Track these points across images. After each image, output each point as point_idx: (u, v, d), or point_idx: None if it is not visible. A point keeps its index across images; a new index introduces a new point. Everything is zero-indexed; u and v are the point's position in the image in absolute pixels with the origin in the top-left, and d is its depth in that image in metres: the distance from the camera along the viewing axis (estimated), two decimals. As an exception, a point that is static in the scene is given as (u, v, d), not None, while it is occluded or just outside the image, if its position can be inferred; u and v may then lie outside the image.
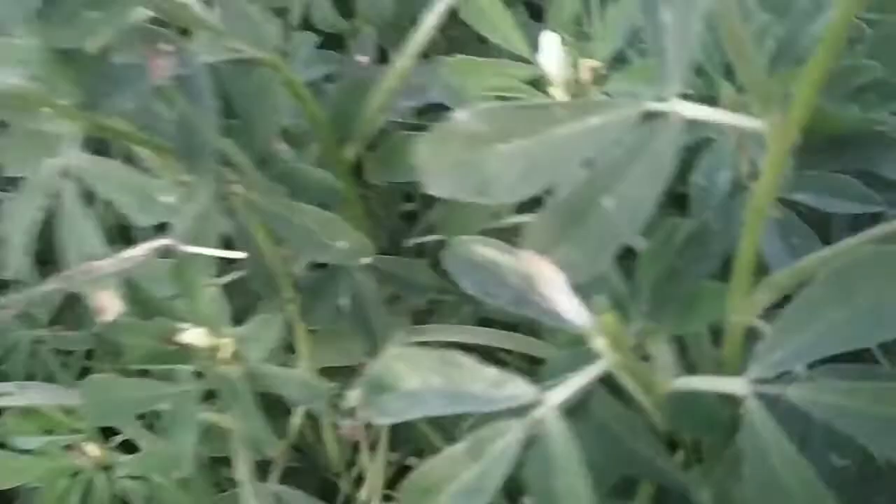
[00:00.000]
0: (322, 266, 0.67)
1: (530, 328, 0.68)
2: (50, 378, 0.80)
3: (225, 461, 0.77)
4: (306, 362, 0.60)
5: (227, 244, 0.63)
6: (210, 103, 0.52)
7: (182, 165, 0.53)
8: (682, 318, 0.47)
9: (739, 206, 0.52)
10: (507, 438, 0.35)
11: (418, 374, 0.38)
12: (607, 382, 0.49)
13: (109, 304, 0.48)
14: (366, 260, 0.56)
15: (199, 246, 0.46)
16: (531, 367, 0.73)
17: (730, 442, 0.44)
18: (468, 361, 0.37)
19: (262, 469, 0.66)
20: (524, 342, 0.64)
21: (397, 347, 0.39)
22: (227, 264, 0.66)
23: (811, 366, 0.42)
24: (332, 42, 0.77)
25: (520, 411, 0.36)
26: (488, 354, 0.72)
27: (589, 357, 0.49)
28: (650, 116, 0.39)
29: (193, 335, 0.51)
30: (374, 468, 0.71)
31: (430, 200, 0.73)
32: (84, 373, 0.83)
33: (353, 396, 0.39)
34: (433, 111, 0.69)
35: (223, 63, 0.54)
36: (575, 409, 0.41)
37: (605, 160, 0.39)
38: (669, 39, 0.39)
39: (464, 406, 0.37)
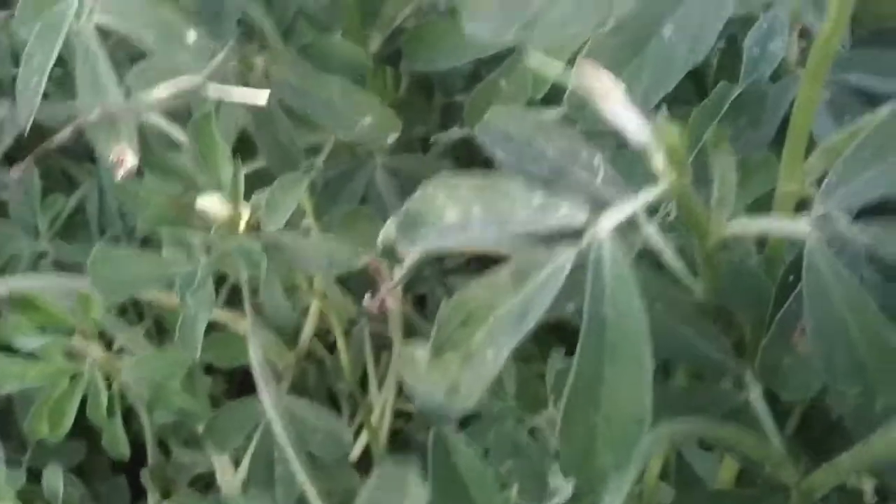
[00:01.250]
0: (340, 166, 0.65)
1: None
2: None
3: (226, 376, 0.75)
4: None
5: (244, 134, 0.61)
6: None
7: (204, 28, 0.51)
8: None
9: (792, 84, 0.50)
10: (557, 263, 0.33)
11: (458, 204, 0.35)
12: (648, 257, 0.47)
13: (125, 158, 0.46)
14: (393, 136, 0.53)
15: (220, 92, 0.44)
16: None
17: (778, 312, 0.41)
18: (513, 185, 0.34)
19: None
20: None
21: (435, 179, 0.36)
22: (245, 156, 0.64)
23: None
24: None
25: (571, 236, 0.33)
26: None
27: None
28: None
29: (210, 201, 0.48)
30: (387, 384, 0.69)
31: (452, 91, 0.71)
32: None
33: (386, 232, 0.36)
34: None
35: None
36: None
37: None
38: None
39: (508, 230, 0.34)
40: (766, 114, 0.45)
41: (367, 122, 0.53)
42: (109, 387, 0.64)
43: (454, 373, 0.34)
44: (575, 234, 0.34)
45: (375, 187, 0.63)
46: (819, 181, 0.43)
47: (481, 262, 0.73)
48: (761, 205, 0.46)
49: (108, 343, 0.66)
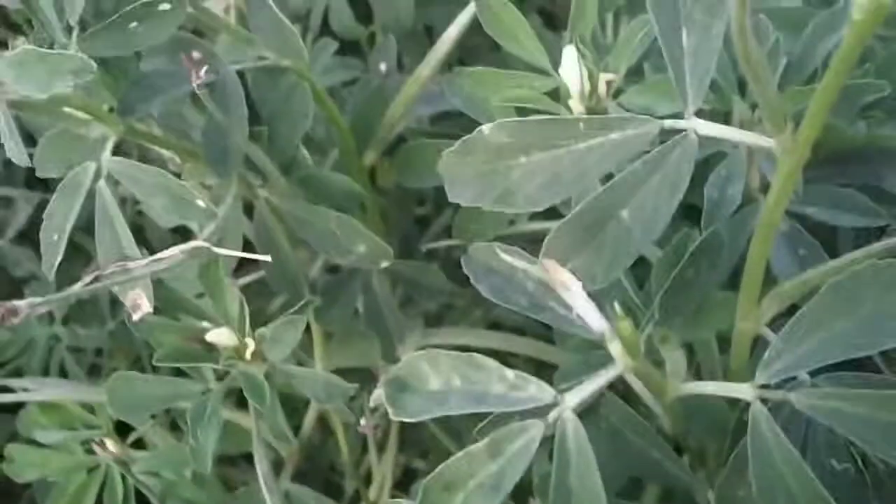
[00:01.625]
0: (337, 270, 0.69)
1: (538, 333, 0.70)
2: (64, 374, 0.82)
3: (234, 460, 0.80)
4: (323, 363, 0.62)
5: (248, 246, 0.65)
6: (240, 109, 0.54)
7: (210, 169, 0.55)
8: (693, 326, 0.49)
9: (750, 218, 0.54)
10: (527, 437, 0.37)
11: (440, 375, 0.40)
12: (618, 389, 0.51)
13: (140, 303, 0.50)
14: (385, 263, 0.57)
15: (224, 248, 0.48)
16: (538, 371, 0.75)
17: (735, 446, 0.45)
18: (489, 363, 0.39)
19: (273, 469, 0.68)
20: (535, 346, 0.66)
21: (419, 349, 0.41)
22: (243, 267, 0.68)
23: (814, 374, 0.44)
24: (350, 48, 0.79)
25: (538, 412, 0.38)
26: (496, 358, 0.75)
27: (601, 362, 0.51)
28: (668, 133, 0.41)
29: (219, 334, 0.53)
30: (383, 468, 0.73)
31: (442, 205, 0.75)
32: (94, 369, 0.85)
33: (376, 395, 0.41)
34: (448, 118, 0.71)
35: (251, 70, 0.56)
36: (587, 413, 0.43)
37: (623, 174, 0.41)
38: (688, 61, 0.41)
39: (485, 406, 0.38)
40: (724, 257, 0.49)
41: (361, 250, 0.57)
42: (125, 479, 0.68)
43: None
44: (544, 410, 0.38)
45: (372, 291, 0.67)
46: (773, 321, 0.48)
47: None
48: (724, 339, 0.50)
49: (123, 433, 0.70)
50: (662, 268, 0.49)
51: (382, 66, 0.67)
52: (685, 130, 0.41)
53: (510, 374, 0.38)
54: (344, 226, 0.57)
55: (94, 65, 0.40)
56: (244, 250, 0.67)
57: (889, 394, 0.38)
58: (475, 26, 0.61)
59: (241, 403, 0.69)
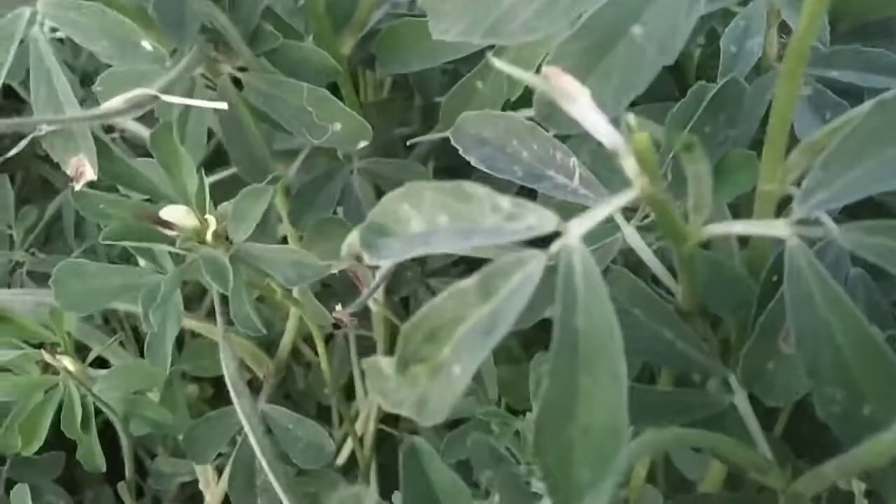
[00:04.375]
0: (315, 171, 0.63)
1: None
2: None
3: (203, 387, 0.74)
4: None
5: (211, 137, 0.59)
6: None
7: (166, 35, 0.49)
8: (714, 185, 0.43)
9: (769, 86, 0.49)
10: (525, 271, 0.31)
11: (423, 213, 0.34)
12: (627, 264, 0.46)
13: (83, 170, 0.44)
14: (363, 143, 0.51)
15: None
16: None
17: (761, 314, 0.40)
18: (480, 191, 0.33)
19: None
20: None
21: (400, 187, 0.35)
22: (213, 164, 0.62)
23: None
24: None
25: (539, 243, 0.32)
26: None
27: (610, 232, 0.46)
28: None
29: (175, 212, 0.47)
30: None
31: (431, 103, 0.69)
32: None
33: (350, 240, 0.35)
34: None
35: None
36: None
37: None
38: None
39: (474, 240, 0.33)
40: (744, 112, 0.44)
41: (337, 129, 0.51)
42: (84, 399, 0.62)
43: (422, 387, 0.33)
44: (545, 241, 0.32)
45: (352, 191, 0.61)
46: (800, 180, 0.42)
47: (466, 263, 0.71)
48: (743, 202, 0.45)
49: (83, 354, 0.64)
50: (675, 123, 0.43)
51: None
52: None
53: (505, 201, 0.32)
54: (319, 101, 0.51)
55: None
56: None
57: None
58: None
59: (210, 315, 0.64)
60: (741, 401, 0.41)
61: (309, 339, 0.68)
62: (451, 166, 0.68)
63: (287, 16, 0.58)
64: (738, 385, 0.42)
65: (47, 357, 0.58)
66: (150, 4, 0.49)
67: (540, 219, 0.32)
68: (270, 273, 0.46)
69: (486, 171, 0.46)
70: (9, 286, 0.77)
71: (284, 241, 0.62)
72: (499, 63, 0.33)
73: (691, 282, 0.39)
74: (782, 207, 0.43)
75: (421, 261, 0.72)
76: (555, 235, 0.32)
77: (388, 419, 0.71)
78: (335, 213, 0.61)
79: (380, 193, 0.63)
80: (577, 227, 0.32)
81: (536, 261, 0.31)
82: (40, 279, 0.77)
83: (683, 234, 0.35)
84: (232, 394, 0.56)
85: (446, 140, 0.66)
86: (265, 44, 0.52)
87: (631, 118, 0.31)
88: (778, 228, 0.34)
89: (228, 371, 0.55)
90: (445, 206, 0.34)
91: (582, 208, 0.35)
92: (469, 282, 0.32)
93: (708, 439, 0.36)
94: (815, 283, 0.33)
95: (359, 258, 0.37)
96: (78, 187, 0.44)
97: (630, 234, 0.42)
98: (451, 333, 0.32)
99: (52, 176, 0.84)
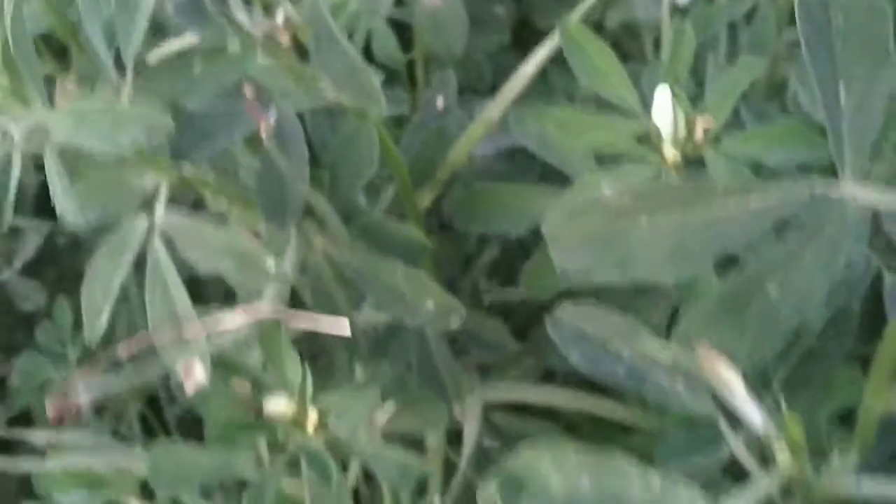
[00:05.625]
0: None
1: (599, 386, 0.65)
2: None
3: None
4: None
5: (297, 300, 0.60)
6: (301, 153, 0.49)
7: (265, 218, 0.50)
8: (817, 401, 0.44)
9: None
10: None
11: (565, 475, 0.35)
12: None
13: (195, 373, 0.45)
14: (456, 323, 0.52)
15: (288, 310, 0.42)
16: (592, 428, 0.69)
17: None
18: (626, 465, 0.33)
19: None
20: (606, 405, 0.61)
21: (536, 443, 0.35)
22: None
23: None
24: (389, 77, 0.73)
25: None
26: (559, 418, 0.70)
27: (711, 438, 0.46)
28: (820, 200, 0.36)
29: (278, 403, 0.47)
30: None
31: (483, 247, 0.70)
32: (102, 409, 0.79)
33: (484, 494, 0.35)
34: (511, 155, 0.66)
35: (312, 110, 0.51)
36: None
37: (770, 246, 0.36)
38: (847, 121, 0.36)
39: (623, 515, 0.33)
40: (853, 328, 0.44)
41: (429, 307, 0.52)
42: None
43: None
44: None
45: (426, 344, 0.62)
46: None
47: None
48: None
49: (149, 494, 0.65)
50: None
51: (439, 102, 0.61)
52: (842, 197, 0.36)
53: (656, 480, 0.33)
54: (412, 280, 0.51)
55: (171, 123, 0.34)
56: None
57: None
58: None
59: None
60: None
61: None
62: (519, 320, 0.68)
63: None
64: None
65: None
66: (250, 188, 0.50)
67: (692, 501, 0.33)
68: (374, 470, 0.47)
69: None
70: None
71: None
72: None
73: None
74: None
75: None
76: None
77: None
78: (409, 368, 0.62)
79: (451, 344, 0.63)
80: (730, 516, 0.32)
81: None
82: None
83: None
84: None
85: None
86: (357, 220, 0.53)
87: (783, 402, 0.32)
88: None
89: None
90: (589, 470, 0.34)
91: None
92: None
93: None
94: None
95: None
96: (189, 391, 0.44)
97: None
98: None
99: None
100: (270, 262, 0.41)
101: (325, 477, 0.47)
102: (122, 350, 0.45)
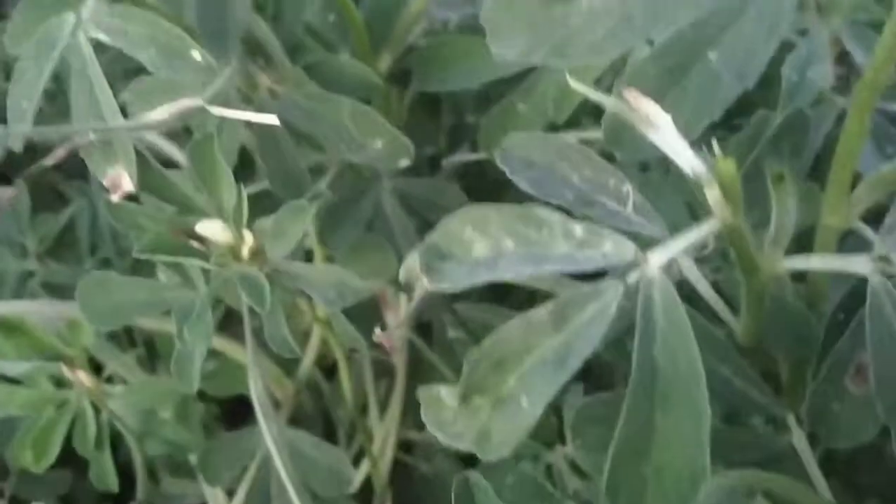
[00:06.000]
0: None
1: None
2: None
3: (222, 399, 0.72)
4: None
5: (245, 153, 0.58)
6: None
7: (205, 44, 0.48)
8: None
9: (825, 116, 0.47)
10: (600, 302, 0.30)
11: (488, 238, 0.33)
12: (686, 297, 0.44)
13: (121, 181, 0.43)
14: (404, 162, 0.50)
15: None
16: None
17: (825, 357, 0.38)
18: (552, 216, 0.31)
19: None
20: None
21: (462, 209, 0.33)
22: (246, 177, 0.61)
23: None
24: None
25: (613, 273, 0.31)
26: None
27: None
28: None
29: (210, 227, 0.45)
30: (390, 413, 0.65)
31: (459, 123, 0.68)
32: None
33: (407, 266, 0.34)
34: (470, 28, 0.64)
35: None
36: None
37: (712, 7, 0.34)
38: None
39: (544, 267, 0.31)
40: (808, 140, 0.42)
41: (377, 146, 0.50)
42: (98, 416, 0.60)
43: (484, 420, 0.31)
44: (618, 272, 0.31)
45: (383, 211, 0.60)
46: (865, 214, 0.41)
47: (491, 289, 0.70)
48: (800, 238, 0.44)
49: (97, 369, 0.63)
50: (739, 152, 0.42)
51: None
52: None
53: (578, 227, 0.31)
54: (360, 117, 0.49)
55: None
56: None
57: None
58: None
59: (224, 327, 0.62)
60: (800, 441, 0.40)
61: (318, 361, 0.67)
62: (479, 187, 0.67)
63: (324, 28, 0.57)
64: (796, 425, 0.41)
65: (66, 371, 0.57)
66: (192, 13, 0.48)
67: (616, 247, 0.31)
68: (310, 293, 0.45)
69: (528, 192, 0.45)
70: (20, 296, 0.75)
71: (308, 258, 0.61)
72: (574, 83, 0.32)
73: (756, 317, 0.38)
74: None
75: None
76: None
77: (401, 447, 0.70)
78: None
79: (411, 213, 0.61)
80: (658, 257, 0.30)
81: (612, 291, 0.30)
82: (53, 290, 0.75)
83: (758, 267, 0.34)
84: (259, 416, 0.55)
85: (477, 161, 0.65)
86: (305, 57, 0.51)
87: (715, 145, 0.30)
88: (859, 264, 0.33)
89: (256, 391, 0.53)
90: (512, 230, 0.32)
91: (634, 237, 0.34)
92: (540, 311, 0.30)
93: (779, 483, 0.35)
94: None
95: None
96: (115, 199, 0.42)
97: (688, 267, 0.41)
98: (518, 364, 0.30)
99: (65, 187, 0.82)
100: (195, 52, 0.39)
101: (260, 301, 0.45)
102: (50, 158, 0.43)
